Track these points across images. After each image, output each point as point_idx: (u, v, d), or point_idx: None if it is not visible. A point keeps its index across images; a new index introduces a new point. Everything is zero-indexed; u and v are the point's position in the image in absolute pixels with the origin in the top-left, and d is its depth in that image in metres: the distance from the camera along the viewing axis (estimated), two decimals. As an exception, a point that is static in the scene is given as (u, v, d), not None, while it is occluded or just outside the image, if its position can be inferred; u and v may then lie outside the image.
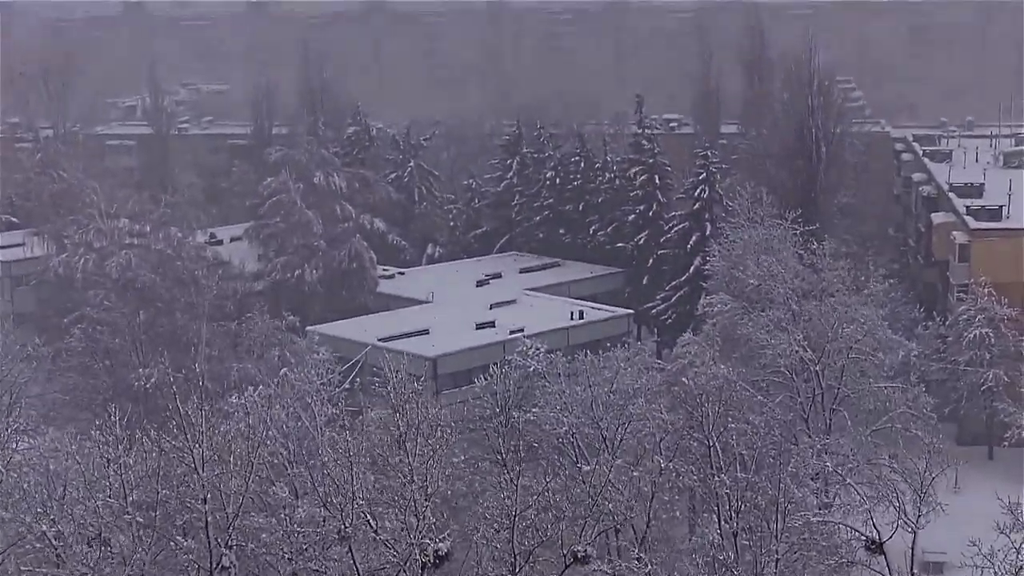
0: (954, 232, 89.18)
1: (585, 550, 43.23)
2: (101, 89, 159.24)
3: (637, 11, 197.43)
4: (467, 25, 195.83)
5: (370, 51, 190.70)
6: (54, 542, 40.64)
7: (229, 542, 42.60)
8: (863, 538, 48.60)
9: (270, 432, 48.24)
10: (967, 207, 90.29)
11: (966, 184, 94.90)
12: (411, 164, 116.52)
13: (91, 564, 40.32)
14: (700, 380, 58.32)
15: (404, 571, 41.41)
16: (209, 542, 42.16)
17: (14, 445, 52.10)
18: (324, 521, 42.60)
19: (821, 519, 50.11)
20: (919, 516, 47.92)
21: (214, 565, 42.25)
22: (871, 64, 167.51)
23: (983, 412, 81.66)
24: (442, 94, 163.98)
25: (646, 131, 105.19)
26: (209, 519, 42.06)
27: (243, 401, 52.07)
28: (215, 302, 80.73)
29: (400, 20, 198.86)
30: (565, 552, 43.47)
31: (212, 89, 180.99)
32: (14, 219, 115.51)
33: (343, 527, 41.44)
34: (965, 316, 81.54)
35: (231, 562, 42.43)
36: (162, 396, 68.28)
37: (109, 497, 41.74)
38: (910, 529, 47.72)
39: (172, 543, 42.73)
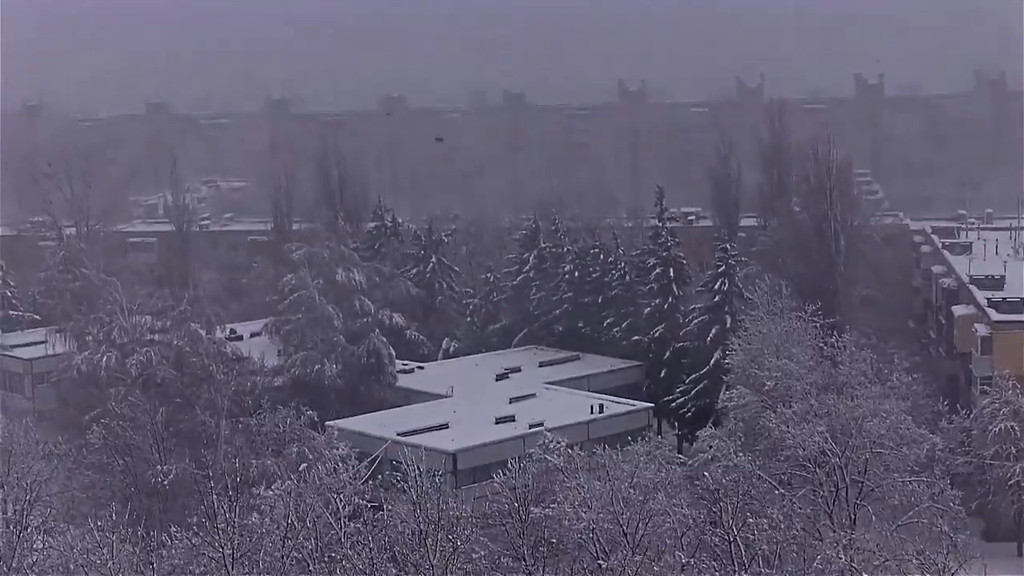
0: (976, 324, 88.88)
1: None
2: (124, 187, 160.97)
3: (653, 106, 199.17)
4: (485, 120, 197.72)
5: (388, 147, 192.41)
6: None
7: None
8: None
9: (295, 527, 47.88)
10: (988, 299, 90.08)
11: (987, 276, 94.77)
12: (433, 259, 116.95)
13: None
14: (721, 474, 57.83)
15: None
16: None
17: (34, 544, 51.89)
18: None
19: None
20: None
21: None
22: (888, 157, 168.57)
23: (1011, 507, 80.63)
24: (460, 190, 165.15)
25: (667, 223, 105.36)
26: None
27: (269, 494, 51.80)
28: (234, 398, 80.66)
29: (418, 116, 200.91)
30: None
31: (232, 186, 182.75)
32: (36, 316, 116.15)
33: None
34: (989, 409, 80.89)
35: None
36: (181, 493, 68.19)
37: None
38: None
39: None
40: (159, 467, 69.94)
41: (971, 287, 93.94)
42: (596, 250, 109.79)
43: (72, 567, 42.81)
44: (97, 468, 72.91)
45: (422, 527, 43.35)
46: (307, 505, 49.60)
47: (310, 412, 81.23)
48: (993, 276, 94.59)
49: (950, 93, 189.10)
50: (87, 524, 54.13)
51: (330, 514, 48.93)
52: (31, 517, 53.90)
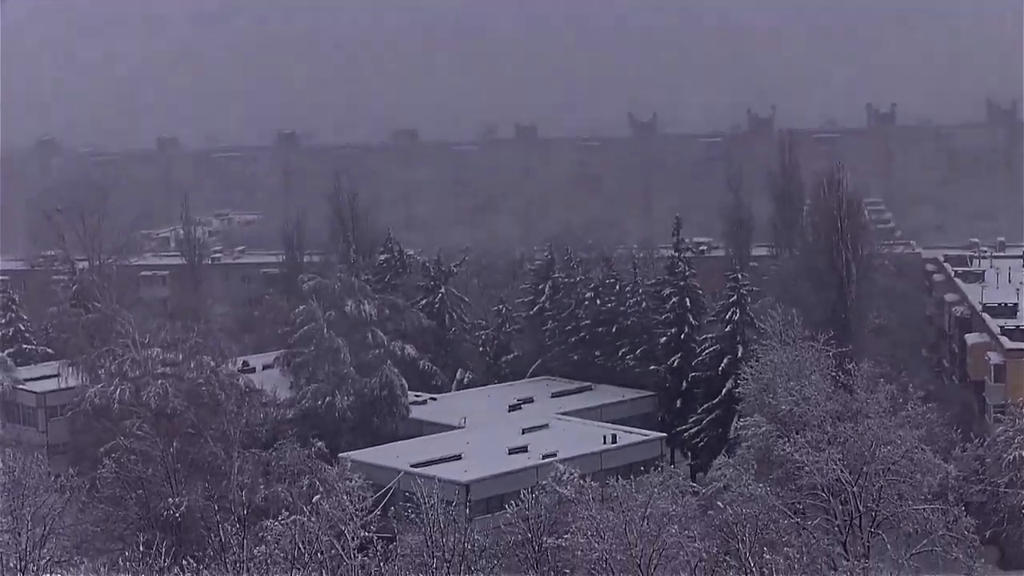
0: (989, 352, 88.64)
1: None
2: (135, 221, 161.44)
3: (664, 137, 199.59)
4: (496, 153, 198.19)
5: (400, 180, 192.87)
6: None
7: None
8: None
9: (305, 559, 47.78)
10: (1001, 327, 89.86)
11: (1000, 304, 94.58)
12: (442, 290, 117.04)
13: None
14: (735, 505, 57.56)
15: None
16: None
17: (48, 576, 51.89)
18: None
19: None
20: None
21: None
22: (899, 186, 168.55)
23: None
24: (472, 222, 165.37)
25: (683, 254, 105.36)
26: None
27: (277, 527, 51.68)
28: (246, 429, 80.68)
29: (430, 149, 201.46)
30: None
31: (244, 219, 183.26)
32: (49, 350, 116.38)
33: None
34: (1003, 437, 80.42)
35: None
36: (193, 525, 68.10)
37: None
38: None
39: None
40: (171, 499, 69.87)
41: (984, 315, 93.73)
42: (612, 280, 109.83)
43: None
44: (110, 501, 72.88)
45: (436, 558, 43.22)
46: (314, 536, 49.44)
47: (320, 443, 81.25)
48: (1006, 304, 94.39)
49: (961, 123, 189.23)
50: (100, 558, 54.19)
51: (340, 546, 48.82)
52: (44, 551, 53.90)
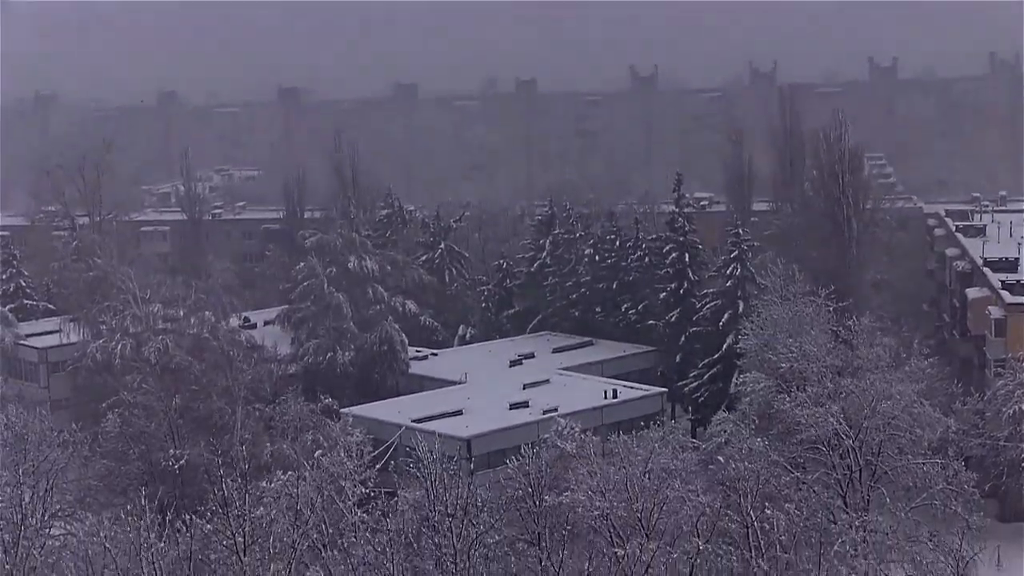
0: (990, 307, 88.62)
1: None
2: (136, 177, 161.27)
3: (666, 92, 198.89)
4: (497, 109, 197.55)
5: (401, 135, 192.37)
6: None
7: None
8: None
9: (305, 516, 47.92)
10: (1002, 282, 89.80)
11: (1001, 259, 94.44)
12: (442, 246, 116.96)
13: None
14: (736, 460, 57.73)
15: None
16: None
17: (51, 530, 52.12)
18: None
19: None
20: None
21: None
22: (902, 141, 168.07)
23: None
24: (472, 177, 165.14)
25: (683, 209, 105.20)
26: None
27: (276, 484, 51.91)
28: (250, 385, 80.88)
29: (430, 105, 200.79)
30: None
31: (245, 175, 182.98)
32: (51, 306, 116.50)
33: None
34: (1003, 391, 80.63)
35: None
36: (195, 479, 68.41)
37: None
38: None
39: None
40: (175, 451, 70.13)
41: (985, 270, 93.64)
42: (612, 236, 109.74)
43: (89, 553, 42.96)
44: (112, 456, 73.18)
45: (437, 513, 43.38)
46: (314, 492, 49.62)
47: (328, 400, 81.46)
48: (1007, 258, 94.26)
49: (964, 76, 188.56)
50: (103, 512, 54.47)
51: (341, 501, 49.01)
52: (47, 504, 54.16)
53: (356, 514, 47.63)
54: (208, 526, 43.77)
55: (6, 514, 52.51)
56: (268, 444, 71.21)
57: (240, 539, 41.72)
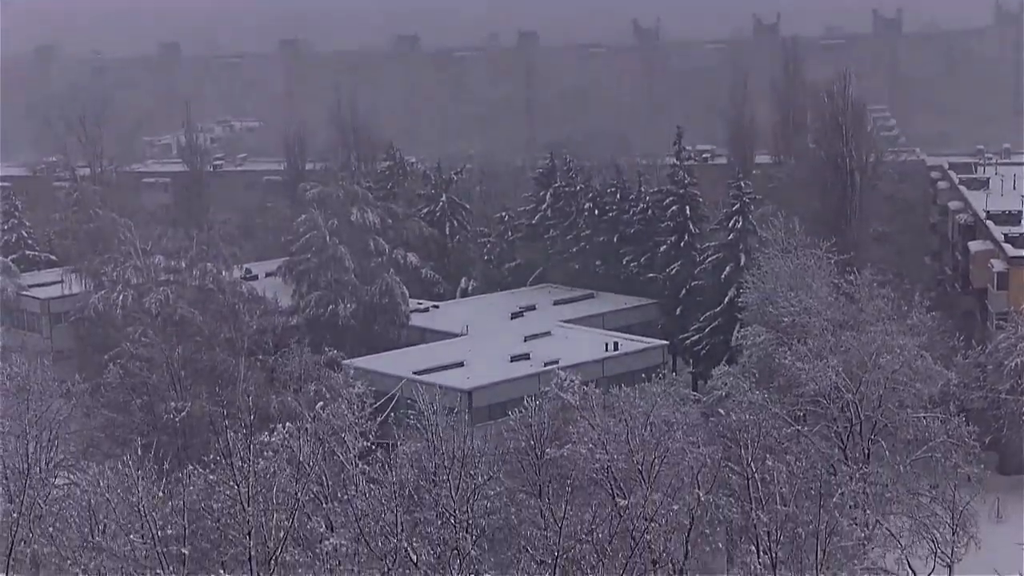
0: (992, 260, 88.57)
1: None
2: (137, 128, 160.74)
3: (668, 44, 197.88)
4: (498, 62, 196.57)
5: (402, 88, 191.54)
6: (98, 572, 40.68)
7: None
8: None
9: (307, 468, 48.11)
10: (1005, 235, 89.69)
11: (1004, 212, 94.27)
12: (444, 198, 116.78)
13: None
14: (736, 412, 57.89)
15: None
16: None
17: (54, 480, 52.38)
18: (362, 556, 42.36)
19: (861, 568, 49.50)
20: (954, 550, 47.37)
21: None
22: (905, 93, 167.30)
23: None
24: (473, 130, 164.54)
25: (684, 162, 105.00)
26: (253, 553, 41.94)
27: (276, 438, 52.06)
28: (254, 337, 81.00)
29: (432, 57, 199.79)
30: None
31: (246, 126, 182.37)
32: (52, 257, 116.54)
33: (385, 569, 41.06)
34: (1005, 344, 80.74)
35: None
36: (198, 431, 68.64)
37: (150, 530, 41.66)
38: (945, 564, 47.23)
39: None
40: (179, 402, 70.33)
41: (988, 223, 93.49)
42: (613, 189, 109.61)
43: (92, 503, 43.17)
44: (114, 407, 73.38)
45: (437, 464, 43.54)
46: (315, 444, 49.79)
47: (333, 351, 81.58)
48: (1010, 211, 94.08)
49: (968, 28, 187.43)
50: (106, 462, 54.70)
51: (342, 453, 49.19)
52: (50, 455, 54.41)
53: (357, 466, 47.76)
54: (211, 476, 43.96)
55: (11, 464, 52.78)
56: (273, 396, 71.32)
57: (244, 490, 41.90)
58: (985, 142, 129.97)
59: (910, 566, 47.46)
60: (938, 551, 47.10)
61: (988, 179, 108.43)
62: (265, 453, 49.91)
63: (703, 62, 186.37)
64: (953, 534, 47.66)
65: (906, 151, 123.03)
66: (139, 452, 43.77)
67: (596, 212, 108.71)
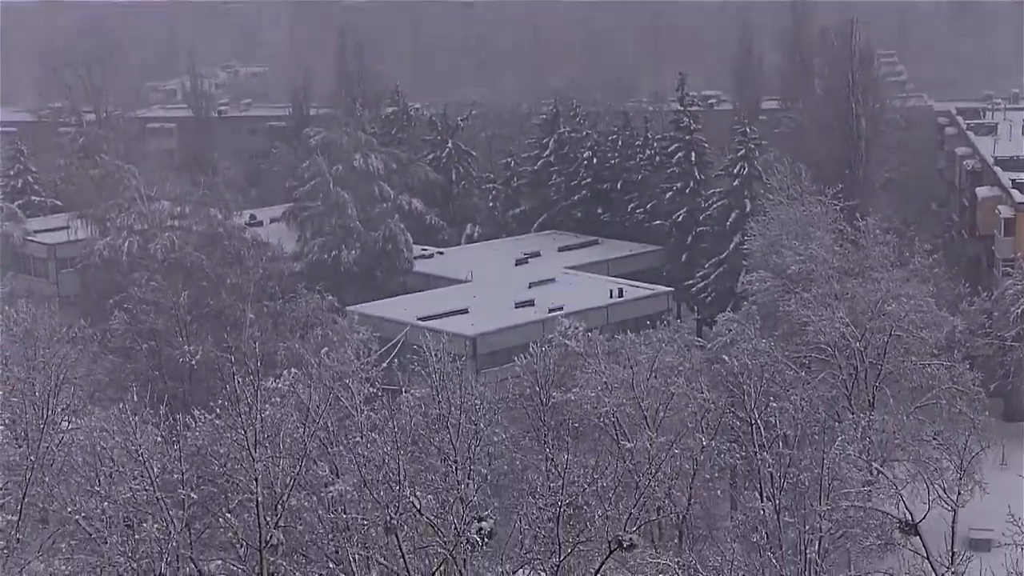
0: (999, 206, 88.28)
1: (631, 539, 42.98)
2: (142, 73, 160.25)
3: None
4: (504, 8, 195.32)
5: (407, 34, 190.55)
6: (101, 519, 40.92)
7: (278, 521, 42.70)
8: (897, 521, 48.48)
9: (312, 413, 48.23)
10: (1012, 180, 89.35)
11: (1012, 158, 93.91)
12: (449, 144, 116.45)
13: (134, 543, 40.60)
14: (741, 358, 57.97)
15: (449, 551, 41.38)
16: (259, 521, 42.22)
17: (61, 425, 52.58)
18: (366, 503, 42.52)
19: (863, 495, 49.80)
20: (959, 493, 47.59)
21: (262, 543, 42.38)
22: (913, 39, 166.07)
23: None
24: (479, 77, 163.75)
25: (689, 108, 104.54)
26: (259, 499, 42.16)
27: (283, 384, 52.14)
28: (259, 283, 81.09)
29: (436, 3, 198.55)
30: (610, 539, 43.35)
31: (250, 72, 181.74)
32: (58, 202, 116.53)
33: (389, 517, 41.26)
34: (1011, 291, 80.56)
35: (279, 540, 42.56)
36: (206, 375, 68.86)
37: (152, 475, 41.86)
38: (949, 508, 47.45)
39: (220, 520, 42.98)
40: (186, 347, 70.52)
41: (995, 168, 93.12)
42: (615, 136, 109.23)
43: (98, 447, 43.35)
44: (121, 352, 73.56)
45: (443, 410, 43.64)
46: (321, 390, 49.88)
47: (332, 297, 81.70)
48: (1018, 157, 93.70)
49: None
50: (112, 407, 54.90)
51: (347, 399, 49.27)
52: (58, 399, 54.57)
53: (363, 412, 47.88)
54: (218, 421, 44.11)
55: (20, 409, 53.00)
56: (281, 343, 71.48)
57: (251, 436, 42.06)
58: (993, 87, 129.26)
59: (908, 510, 47.70)
60: (943, 495, 47.30)
61: (996, 125, 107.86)
62: (272, 399, 50.08)
63: (709, 6, 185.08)
64: (960, 479, 47.79)
65: (914, 96, 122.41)
66: (135, 398, 43.81)
67: (596, 160, 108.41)
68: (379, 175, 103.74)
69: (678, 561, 44.69)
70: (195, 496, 42.57)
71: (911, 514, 47.70)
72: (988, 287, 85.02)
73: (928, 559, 46.24)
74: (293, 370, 50.51)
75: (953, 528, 47.05)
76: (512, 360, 67.87)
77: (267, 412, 44.05)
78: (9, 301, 73.51)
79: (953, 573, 45.25)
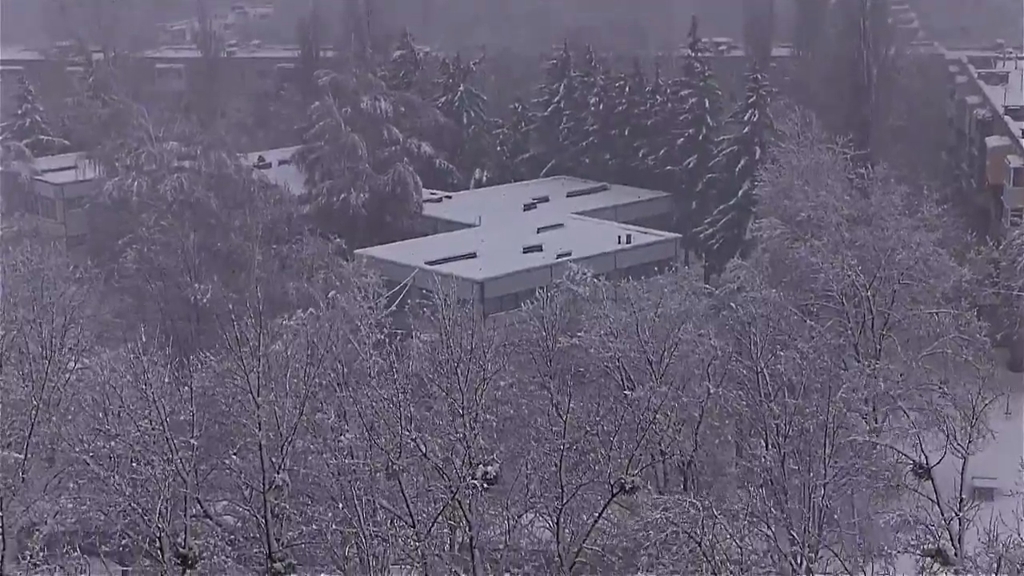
0: (1009, 156, 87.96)
1: (633, 481, 43.23)
2: (151, 13, 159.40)
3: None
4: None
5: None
6: (108, 458, 41.15)
7: (283, 464, 42.92)
8: (911, 462, 48.60)
9: (320, 354, 48.33)
10: (1023, 130, 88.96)
11: (1022, 107, 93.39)
12: (460, 88, 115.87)
13: (141, 482, 40.84)
14: (748, 306, 57.94)
15: (454, 495, 41.61)
16: (263, 463, 42.45)
17: (68, 364, 52.77)
18: (370, 447, 42.66)
19: (870, 442, 49.95)
20: (969, 442, 47.68)
21: (267, 485, 42.64)
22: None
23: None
24: (489, 21, 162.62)
25: (700, 54, 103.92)
26: (264, 441, 42.35)
27: (293, 323, 52.31)
28: (268, 225, 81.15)
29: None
30: (612, 482, 43.57)
31: (259, 12, 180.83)
32: (66, 142, 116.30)
33: (391, 462, 41.45)
34: (1019, 241, 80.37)
35: (284, 481, 42.80)
36: (216, 315, 69.12)
37: (159, 415, 42.04)
38: (960, 455, 47.56)
39: (225, 462, 43.21)
40: (197, 285, 70.65)
41: (1006, 118, 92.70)
42: (622, 83, 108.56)
43: (107, 387, 43.52)
44: (129, 292, 73.72)
45: (450, 355, 43.72)
46: (329, 331, 50.00)
47: (339, 240, 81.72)
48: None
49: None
50: (120, 347, 55.10)
51: (356, 341, 49.38)
52: (66, 339, 54.78)
53: (371, 356, 47.96)
54: (225, 363, 44.23)
55: (27, 348, 53.19)
56: (290, 284, 71.62)
57: (254, 377, 42.16)
58: (1005, 36, 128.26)
59: (924, 454, 47.89)
60: (954, 442, 47.38)
61: (1007, 74, 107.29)
62: (284, 336, 50.17)
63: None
64: (971, 427, 47.86)
65: (925, 44, 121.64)
66: (143, 338, 43.99)
67: (603, 107, 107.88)
68: (388, 118, 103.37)
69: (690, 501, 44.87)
70: (201, 437, 42.77)
71: (927, 458, 47.86)
72: (996, 237, 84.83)
73: (939, 504, 46.43)
74: (306, 310, 50.64)
75: (963, 475, 47.15)
76: (519, 305, 68.05)
77: (276, 348, 44.16)
78: (17, 240, 73.66)
79: (962, 519, 45.44)
